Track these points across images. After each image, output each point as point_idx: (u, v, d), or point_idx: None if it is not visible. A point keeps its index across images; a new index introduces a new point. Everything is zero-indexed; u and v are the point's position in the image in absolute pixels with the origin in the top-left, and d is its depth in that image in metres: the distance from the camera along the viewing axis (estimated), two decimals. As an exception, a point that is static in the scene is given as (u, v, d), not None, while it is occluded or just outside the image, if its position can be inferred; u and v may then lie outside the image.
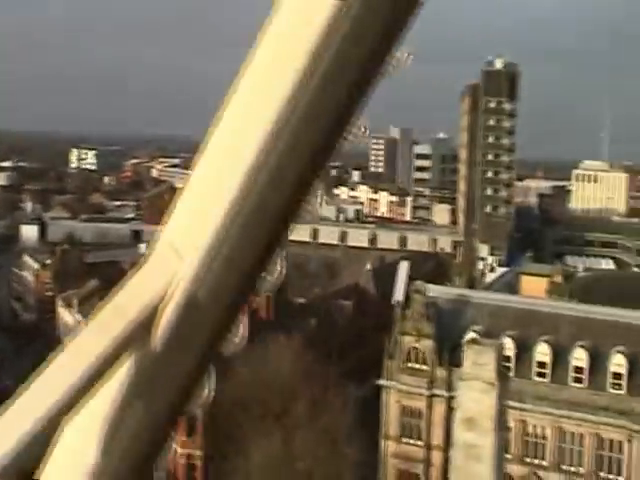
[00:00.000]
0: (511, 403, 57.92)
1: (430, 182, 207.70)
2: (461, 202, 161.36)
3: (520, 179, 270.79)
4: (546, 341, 60.69)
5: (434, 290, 65.13)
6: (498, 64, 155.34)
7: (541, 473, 60.50)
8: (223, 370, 67.97)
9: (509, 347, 60.65)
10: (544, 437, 60.60)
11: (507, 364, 60.07)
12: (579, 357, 59.76)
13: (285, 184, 2.35)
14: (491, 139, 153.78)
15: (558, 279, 75.94)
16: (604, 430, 58.68)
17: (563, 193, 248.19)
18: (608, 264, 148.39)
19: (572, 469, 59.85)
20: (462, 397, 45.16)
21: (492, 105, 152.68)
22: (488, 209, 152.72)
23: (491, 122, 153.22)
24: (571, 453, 59.99)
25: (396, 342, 63.57)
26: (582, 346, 59.72)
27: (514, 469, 60.47)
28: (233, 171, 2.33)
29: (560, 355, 60.39)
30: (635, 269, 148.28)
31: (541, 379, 60.70)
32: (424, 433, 62.71)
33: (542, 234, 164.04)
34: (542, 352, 60.73)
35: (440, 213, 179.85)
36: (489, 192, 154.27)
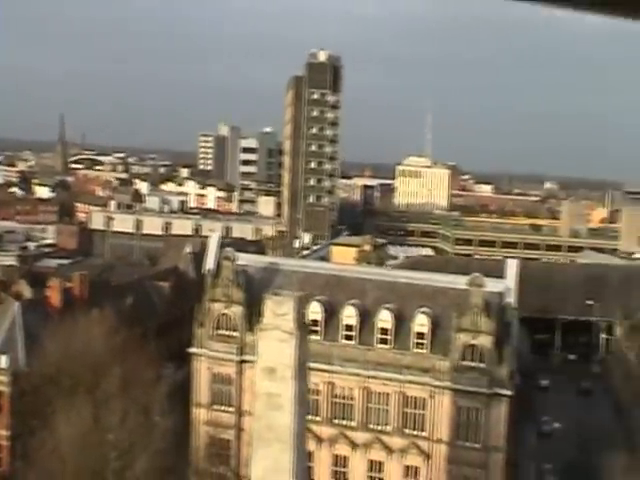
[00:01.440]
0: (320, 366, 59.28)
1: (256, 175, 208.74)
2: (285, 193, 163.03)
3: (349, 177, 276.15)
4: (353, 304, 61.97)
5: (244, 258, 65.51)
6: (322, 57, 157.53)
7: (349, 433, 61.68)
8: (32, 347, 66.64)
9: (317, 311, 61.78)
10: (352, 398, 61.82)
11: (315, 328, 61.25)
12: (384, 319, 61.26)
13: None
14: (315, 130, 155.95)
15: (367, 248, 77.72)
16: (408, 388, 60.40)
17: (389, 190, 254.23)
18: (428, 252, 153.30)
19: (379, 428, 61.30)
20: (262, 347, 45.57)
21: (315, 97, 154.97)
22: (312, 199, 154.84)
23: (314, 113, 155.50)
24: (378, 412, 61.44)
25: (206, 310, 63.64)
26: (387, 308, 61.30)
27: (323, 430, 61.54)
28: None
29: (367, 318, 61.79)
30: (452, 255, 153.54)
31: (348, 341, 61.91)
32: (235, 399, 63.00)
33: (365, 225, 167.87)
34: (349, 315, 61.96)
35: (265, 205, 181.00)
36: (312, 182, 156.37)
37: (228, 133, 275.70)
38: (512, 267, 63.12)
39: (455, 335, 58.90)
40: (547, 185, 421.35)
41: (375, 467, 61.57)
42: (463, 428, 59.63)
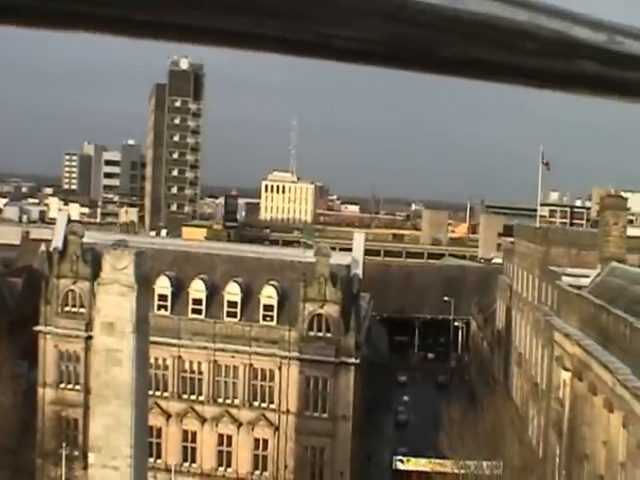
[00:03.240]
0: (168, 340, 59.22)
1: (120, 189, 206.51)
2: (147, 202, 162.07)
3: (216, 197, 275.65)
4: (202, 279, 62.08)
5: (92, 236, 64.94)
6: (183, 64, 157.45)
7: (198, 407, 61.55)
8: None
9: (166, 286, 61.70)
10: (200, 372, 61.79)
11: (164, 303, 61.21)
12: (233, 292, 61.58)
13: None
14: (176, 138, 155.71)
15: (218, 227, 78.10)
16: (257, 360, 60.75)
17: (256, 208, 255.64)
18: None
19: (228, 401, 61.38)
20: (101, 302, 45.43)
21: (177, 104, 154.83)
22: (174, 207, 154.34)
23: (176, 121, 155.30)
24: (226, 386, 61.56)
25: (53, 286, 62.74)
26: (236, 282, 61.62)
27: (172, 406, 61.32)
28: None
29: (215, 291, 61.99)
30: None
31: (197, 315, 61.93)
32: (82, 377, 62.13)
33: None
34: (197, 289, 62.04)
35: (126, 216, 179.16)
36: (174, 191, 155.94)
37: (93, 152, 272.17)
38: (359, 241, 64.36)
39: (302, 305, 59.60)
40: (414, 207, 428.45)
41: (225, 441, 61.60)
42: (311, 398, 60.31)
